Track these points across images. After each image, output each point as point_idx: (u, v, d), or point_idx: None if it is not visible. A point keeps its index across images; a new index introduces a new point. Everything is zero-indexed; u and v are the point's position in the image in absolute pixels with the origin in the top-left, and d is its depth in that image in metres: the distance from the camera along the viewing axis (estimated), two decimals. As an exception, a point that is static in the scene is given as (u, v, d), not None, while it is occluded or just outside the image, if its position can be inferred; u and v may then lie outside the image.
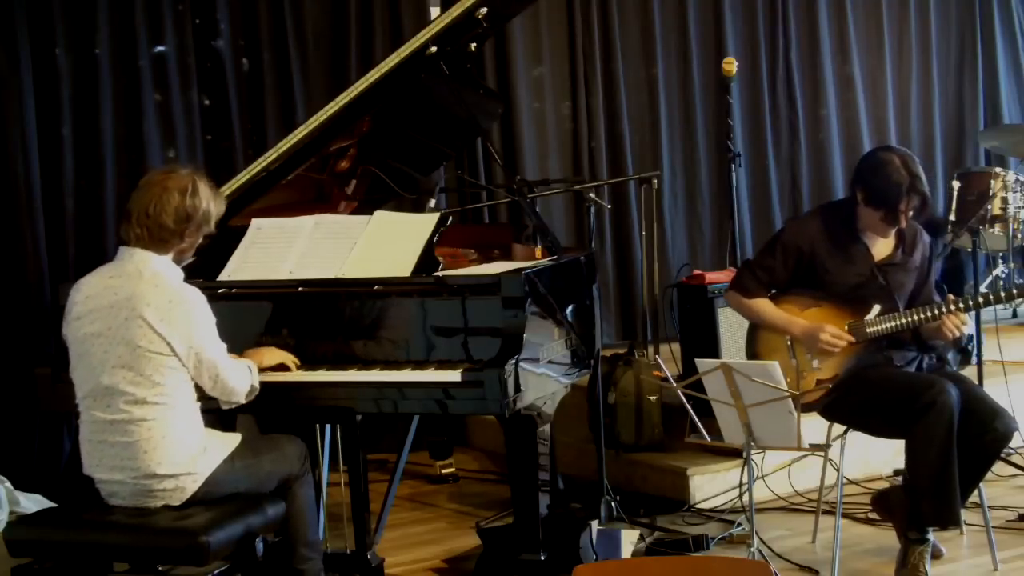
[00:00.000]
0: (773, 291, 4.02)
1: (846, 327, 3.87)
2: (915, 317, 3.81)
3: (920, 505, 3.69)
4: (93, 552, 3.29)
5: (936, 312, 3.80)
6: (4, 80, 5.32)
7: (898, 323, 3.83)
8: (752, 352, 4.06)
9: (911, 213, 3.85)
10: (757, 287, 4.00)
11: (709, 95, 7.00)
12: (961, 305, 3.78)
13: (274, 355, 3.53)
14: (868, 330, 3.86)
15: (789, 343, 3.93)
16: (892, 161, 3.82)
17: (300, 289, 3.70)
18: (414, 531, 4.76)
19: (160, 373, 3.18)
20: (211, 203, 3.31)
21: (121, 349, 3.17)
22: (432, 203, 4.75)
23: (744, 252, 6.23)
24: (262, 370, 3.47)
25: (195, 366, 3.23)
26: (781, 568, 3.98)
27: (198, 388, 3.30)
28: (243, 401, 3.37)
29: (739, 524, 4.42)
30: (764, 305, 3.99)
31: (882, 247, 3.97)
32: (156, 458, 3.17)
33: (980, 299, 3.83)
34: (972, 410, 3.71)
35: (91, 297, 3.25)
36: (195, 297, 3.25)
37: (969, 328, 3.83)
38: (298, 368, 3.56)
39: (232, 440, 3.35)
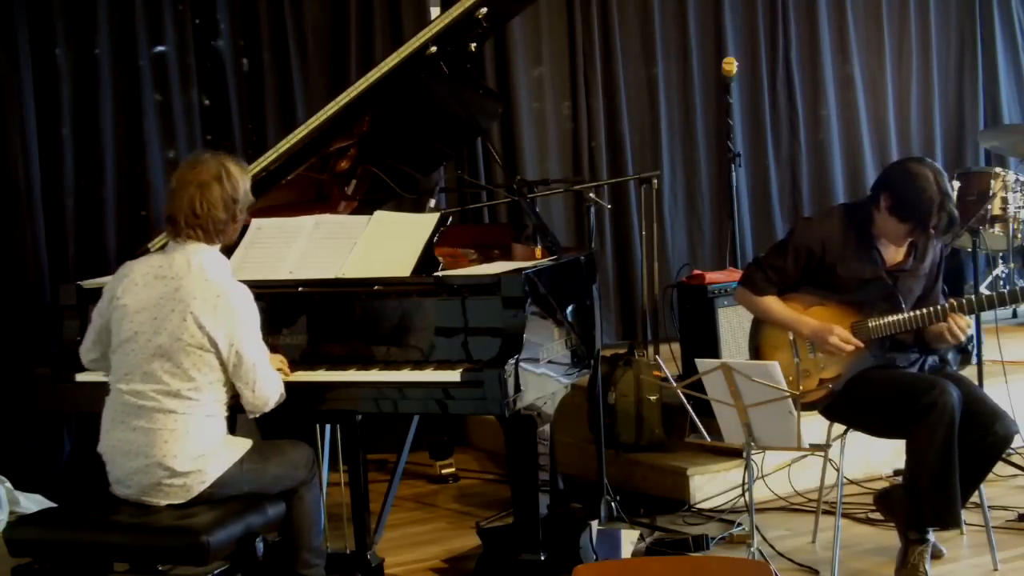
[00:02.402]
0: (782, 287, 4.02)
1: (850, 326, 3.87)
2: (917, 317, 3.81)
3: (920, 505, 3.69)
4: (93, 552, 3.28)
5: (937, 312, 3.79)
6: (4, 80, 5.32)
7: (901, 323, 3.82)
8: (755, 347, 4.06)
9: (936, 230, 3.81)
10: (767, 285, 4.00)
11: (709, 95, 7.00)
12: (964, 304, 3.77)
13: (273, 360, 3.52)
14: (870, 324, 3.85)
15: (792, 339, 3.93)
16: (926, 175, 3.76)
17: (300, 289, 3.70)
18: (414, 531, 4.76)
19: (197, 368, 3.20)
20: (244, 181, 3.37)
21: (164, 339, 3.20)
22: (432, 203, 4.75)
23: (744, 252, 6.23)
24: None
25: (235, 366, 3.23)
26: (781, 568, 3.98)
27: (231, 396, 3.31)
28: (267, 410, 3.36)
29: (739, 524, 4.42)
30: (773, 303, 3.99)
31: (894, 253, 3.95)
32: (173, 450, 3.19)
33: (983, 300, 3.81)
34: (973, 412, 3.71)
35: (140, 286, 3.28)
36: (243, 295, 3.28)
37: (970, 330, 3.82)
38: (288, 370, 3.55)
39: (243, 445, 3.35)
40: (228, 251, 3.83)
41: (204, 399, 3.23)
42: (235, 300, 3.24)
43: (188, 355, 3.19)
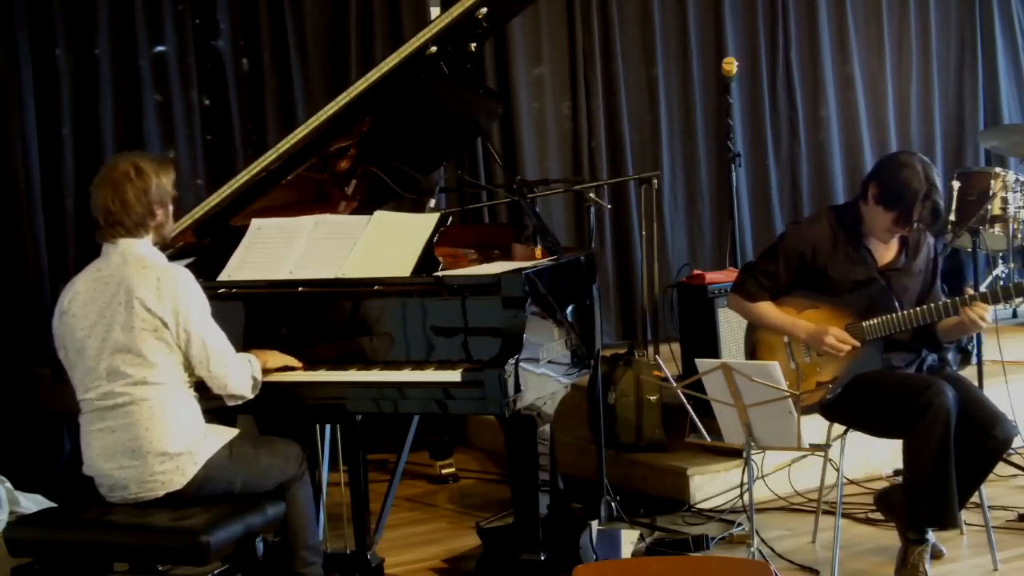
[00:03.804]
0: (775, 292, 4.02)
1: (844, 328, 3.87)
2: (914, 316, 3.81)
3: (918, 506, 3.69)
4: (93, 552, 3.29)
5: (931, 311, 3.79)
6: (4, 80, 5.32)
7: (895, 323, 3.83)
8: (750, 352, 4.06)
9: (921, 221, 3.83)
10: (760, 291, 4.00)
11: (709, 95, 7.00)
12: (975, 296, 3.76)
13: (278, 358, 3.53)
14: (864, 325, 3.86)
15: (787, 343, 3.93)
16: (913, 165, 3.80)
17: (300, 289, 3.70)
18: (414, 531, 4.76)
19: (157, 352, 3.23)
20: (160, 175, 3.38)
21: (118, 333, 3.22)
22: (432, 203, 4.75)
23: (744, 252, 6.23)
24: (265, 371, 3.46)
25: (186, 345, 3.25)
26: (781, 568, 3.98)
27: (201, 386, 3.32)
28: (248, 395, 3.37)
29: (739, 524, 4.42)
30: (767, 308, 3.99)
31: (885, 252, 3.96)
32: (157, 435, 3.20)
33: (991, 293, 3.78)
34: (972, 415, 3.70)
35: (82, 292, 3.31)
36: (183, 274, 3.31)
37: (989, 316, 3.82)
38: (301, 368, 3.55)
39: (230, 432, 3.38)
40: (228, 251, 3.85)
41: (170, 381, 3.25)
42: (177, 281, 3.27)
43: (145, 341, 3.22)
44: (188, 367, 3.30)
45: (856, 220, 3.94)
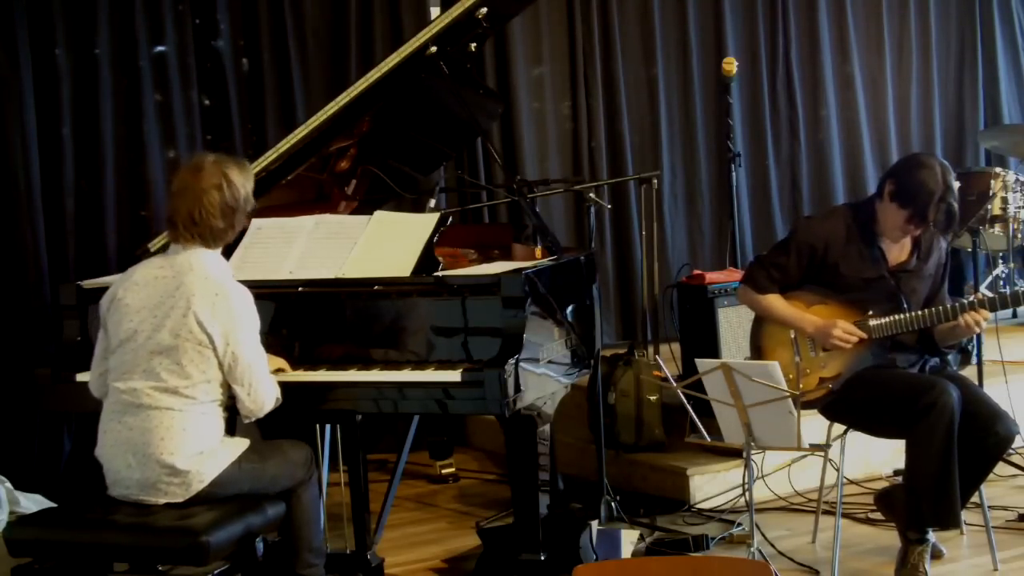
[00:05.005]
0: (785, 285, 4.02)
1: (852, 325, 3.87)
2: (919, 317, 3.81)
3: (920, 505, 3.69)
4: (93, 552, 3.28)
5: (939, 313, 3.79)
6: (4, 80, 5.32)
7: (902, 323, 3.82)
8: (756, 345, 4.05)
9: (935, 224, 3.83)
10: (769, 284, 4.00)
11: (709, 95, 7.00)
12: (983, 300, 3.76)
13: (273, 362, 3.52)
14: (871, 323, 3.85)
15: (793, 337, 3.93)
16: (932, 167, 3.80)
17: (300, 289, 3.70)
18: (414, 531, 4.77)
19: (196, 365, 3.21)
20: (245, 185, 3.36)
21: (164, 336, 3.21)
22: (432, 203, 4.75)
23: (744, 252, 6.23)
24: None
25: (231, 366, 3.24)
26: (781, 568, 3.98)
27: (228, 396, 3.32)
28: (263, 414, 3.36)
29: (739, 524, 4.42)
30: (776, 301, 3.99)
31: (898, 252, 3.96)
32: (170, 447, 3.19)
33: (999, 299, 3.79)
34: (973, 413, 3.70)
35: (141, 285, 3.29)
36: (242, 296, 3.29)
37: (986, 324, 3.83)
38: (291, 371, 3.55)
39: (240, 445, 3.35)
40: (228, 250, 3.84)
41: (201, 397, 3.23)
42: (234, 300, 3.25)
43: (187, 352, 3.20)
44: (225, 384, 3.28)
45: (871, 218, 3.93)
